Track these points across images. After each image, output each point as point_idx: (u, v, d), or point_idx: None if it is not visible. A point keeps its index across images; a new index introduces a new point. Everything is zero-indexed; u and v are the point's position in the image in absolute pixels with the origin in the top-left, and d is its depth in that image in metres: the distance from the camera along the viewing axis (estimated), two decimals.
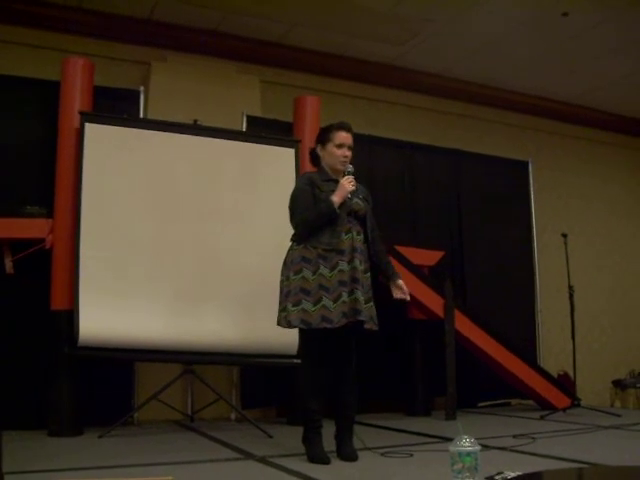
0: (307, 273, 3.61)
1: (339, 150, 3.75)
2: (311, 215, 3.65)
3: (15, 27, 5.71)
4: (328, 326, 3.54)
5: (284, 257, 3.77)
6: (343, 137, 3.77)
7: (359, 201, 3.76)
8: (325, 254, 3.61)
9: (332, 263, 3.61)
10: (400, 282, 3.85)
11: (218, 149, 5.23)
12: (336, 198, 3.61)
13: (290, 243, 3.77)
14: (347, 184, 3.65)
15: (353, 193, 3.70)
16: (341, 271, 3.60)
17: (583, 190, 8.52)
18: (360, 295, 3.58)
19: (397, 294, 3.86)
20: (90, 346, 4.61)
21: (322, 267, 3.60)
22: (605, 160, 8.80)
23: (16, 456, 3.57)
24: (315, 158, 3.89)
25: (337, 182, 3.70)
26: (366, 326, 3.64)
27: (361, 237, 3.73)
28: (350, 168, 3.73)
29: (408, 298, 3.87)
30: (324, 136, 3.84)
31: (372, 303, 3.72)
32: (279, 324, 3.69)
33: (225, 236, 5.11)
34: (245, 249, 5.11)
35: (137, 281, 4.82)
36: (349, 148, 3.78)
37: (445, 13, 6.14)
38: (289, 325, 3.61)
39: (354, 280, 3.60)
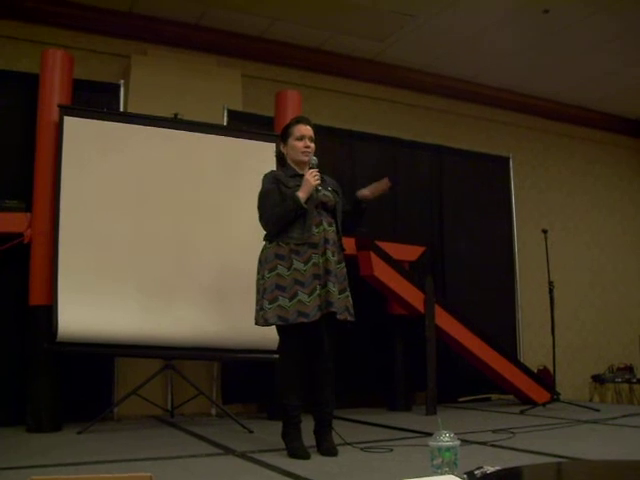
0: (282, 269, 3.61)
1: (300, 142, 3.77)
2: (279, 212, 3.64)
3: None
4: (305, 320, 3.54)
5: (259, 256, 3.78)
6: (302, 129, 3.80)
7: (327, 193, 3.77)
8: (297, 248, 3.62)
9: (305, 257, 3.62)
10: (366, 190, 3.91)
11: (199, 143, 5.20)
12: (302, 194, 3.61)
13: (264, 242, 3.77)
14: (311, 178, 3.65)
15: (320, 186, 3.70)
16: (315, 264, 3.61)
17: (564, 186, 8.59)
18: (332, 286, 3.59)
19: (376, 187, 3.95)
20: (69, 341, 4.56)
21: (296, 261, 3.61)
22: (586, 156, 8.87)
23: None
24: (281, 158, 3.90)
25: (303, 177, 3.70)
26: (340, 317, 3.64)
27: (333, 228, 3.75)
28: (314, 160, 3.75)
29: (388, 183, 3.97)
30: (285, 133, 3.87)
31: (348, 293, 3.74)
32: (257, 323, 3.69)
33: (205, 231, 5.08)
34: (225, 244, 5.10)
35: (116, 276, 4.78)
36: (310, 139, 3.80)
37: (427, 9, 6.15)
38: (266, 323, 3.62)
39: (327, 272, 3.62)
